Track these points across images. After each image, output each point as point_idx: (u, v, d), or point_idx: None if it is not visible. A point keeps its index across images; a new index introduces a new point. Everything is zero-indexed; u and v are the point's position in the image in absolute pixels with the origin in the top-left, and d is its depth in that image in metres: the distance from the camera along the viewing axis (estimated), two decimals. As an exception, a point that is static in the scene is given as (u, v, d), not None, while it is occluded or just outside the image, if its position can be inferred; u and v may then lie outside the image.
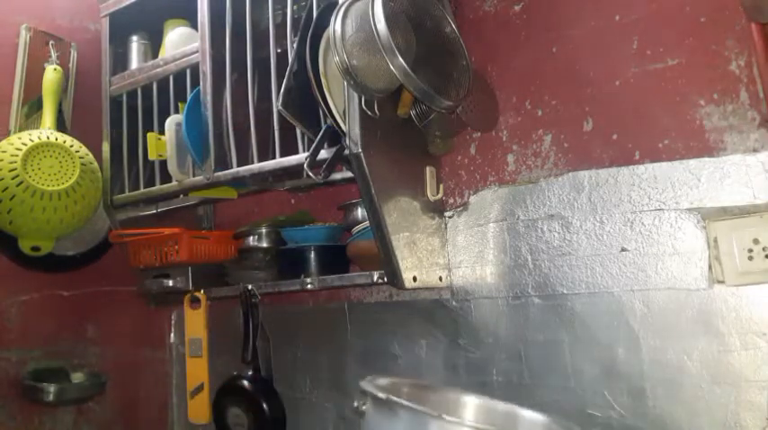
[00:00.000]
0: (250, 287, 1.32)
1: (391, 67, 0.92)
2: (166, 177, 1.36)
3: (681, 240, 1.01)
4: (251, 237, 1.39)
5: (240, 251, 1.42)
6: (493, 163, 1.22)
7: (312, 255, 1.28)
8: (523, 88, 1.20)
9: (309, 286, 1.25)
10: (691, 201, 1.01)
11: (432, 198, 1.20)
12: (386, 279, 1.12)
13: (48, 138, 1.33)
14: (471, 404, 0.88)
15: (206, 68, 1.28)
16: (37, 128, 1.38)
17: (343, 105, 1.05)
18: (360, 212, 1.27)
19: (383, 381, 0.79)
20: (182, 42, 1.37)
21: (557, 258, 1.12)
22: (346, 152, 1.04)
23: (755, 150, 0.97)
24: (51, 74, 1.42)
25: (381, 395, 0.68)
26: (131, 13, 1.46)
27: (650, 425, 1.00)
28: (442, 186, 1.23)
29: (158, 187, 1.38)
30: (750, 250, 0.95)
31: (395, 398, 0.67)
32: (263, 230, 1.38)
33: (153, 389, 1.62)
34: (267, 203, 1.54)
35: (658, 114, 1.06)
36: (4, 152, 1.28)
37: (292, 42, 1.14)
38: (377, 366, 1.31)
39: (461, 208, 1.24)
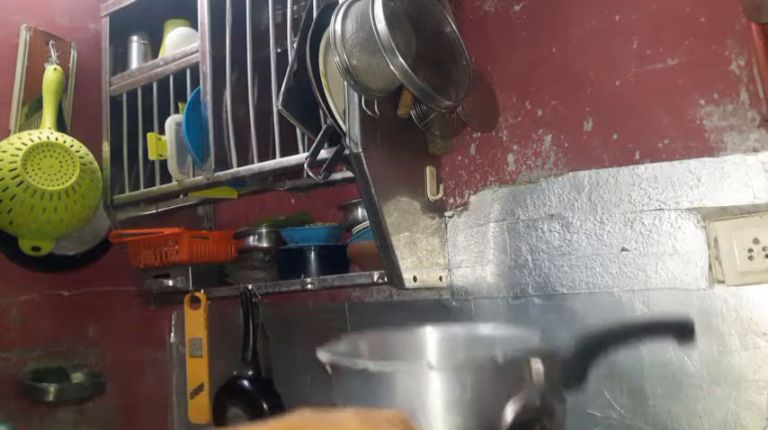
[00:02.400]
0: (250, 287, 1.32)
1: (391, 66, 0.92)
2: (166, 177, 1.36)
3: (681, 240, 1.01)
4: (251, 237, 1.39)
5: (240, 251, 1.42)
6: (493, 163, 1.22)
7: (312, 255, 1.28)
8: (523, 88, 1.20)
9: (309, 286, 1.25)
10: (691, 201, 1.01)
11: (432, 198, 1.20)
12: (386, 279, 1.12)
13: (48, 137, 1.33)
14: (432, 337, 0.85)
15: (206, 68, 1.28)
16: (37, 128, 1.38)
17: (343, 105, 1.05)
18: (360, 212, 1.27)
19: (342, 347, 0.79)
20: (182, 42, 1.38)
21: (557, 258, 1.12)
22: (346, 152, 1.04)
23: (755, 150, 0.97)
24: (51, 74, 1.42)
25: (325, 360, 0.69)
26: (131, 13, 1.46)
27: (650, 425, 1.00)
28: (442, 186, 1.23)
29: (158, 187, 1.38)
30: (750, 250, 0.95)
31: (335, 360, 0.68)
32: (263, 230, 1.38)
33: (153, 389, 1.62)
34: (267, 203, 1.54)
35: (658, 114, 1.06)
36: (5, 152, 1.28)
37: (292, 42, 1.15)
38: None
39: (461, 208, 1.24)
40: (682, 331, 0.75)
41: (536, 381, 0.60)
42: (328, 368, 0.70)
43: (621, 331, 0.71)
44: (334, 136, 1.08)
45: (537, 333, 0.71)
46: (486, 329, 0.85)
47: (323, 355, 0.70)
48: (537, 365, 0.61)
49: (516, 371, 0.60)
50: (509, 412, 0.57)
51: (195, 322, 1.40)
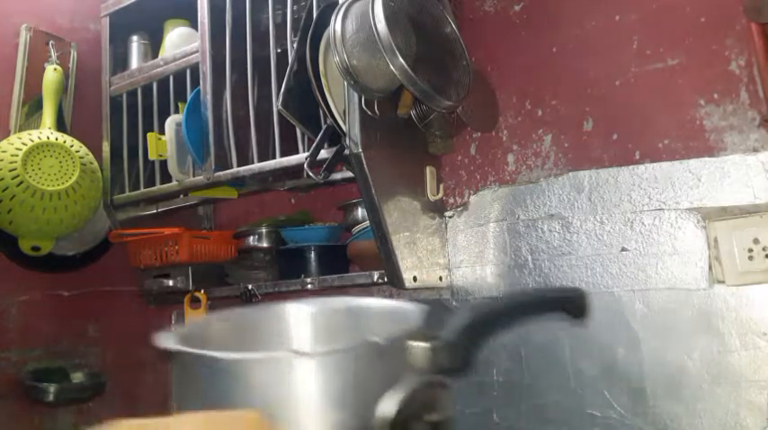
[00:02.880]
0: (250, 287, 1.32)
1: (391, 67, 0.92)
2: (166, 177, 1.36)
3: (681, 240, 1.01)
4: (251, 237, 1.39)
5: (240, 251, 1.42)
6: (493, 163, 1.22)
7: (312, 254, 1.29)
8: (523, 88, 1.20)
9: (309, 286, 1.25)
10: (691, 201, 1.01)
11: (432, 198, 1.20)
12: (386, 279, 1.12)
13: (48, 138, 1.33)
14: (301, 315, 0.69)
15: (206, 68, 1.28)
16: (37, 128, 1.38)
17: (343, 105, 1.05)
18: (360, 212, 1.27)
19: (189, 329, 0.66)
20: (182, 42, 1.38)
21: (557, 258, 1.12)
22: (346, 152, 1.04)
23: (755, 150, 0.97)
24: (51, 74, 1.42)
25: (164, 345, 0.56)
26: (131, 13, 1.46)
27: (650, 425, 1.00)
28: (442, 186, 1.23)
29: (158, 187, 1.38)
30: (750, 250, 0.95)
31: (178, 348, 0.55)
32: (263, 230, 1.38)
33: (153, 389, 1.62)
34: (267, 203, 1.54)
35: (658, 114, 1.06)
36: (5, 152, 1.28)
37: (292, 42, 1.15)
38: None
39: (461, 208, 1.24)
40: (574, 306, 0.68)
41: (419, 367, 0.52)
42: (167, 357, 0.57)
43: (509, 310, 0.62)
44: (335, 136, 1.07)
45: (420, 307, 0.62)
46: (363, 302, 0.74)
47: (161, 340, 0.56)
48: (421, 348, 0.52)
49: (399, 355, 0.51)
50: (389, 405, 0.48)
51: (195, 322, 1.40)
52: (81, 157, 1.36)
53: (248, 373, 0.50)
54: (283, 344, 0.69)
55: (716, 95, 1.01)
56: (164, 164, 1.35)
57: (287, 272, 1.32)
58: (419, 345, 0.52)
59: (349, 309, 0.72)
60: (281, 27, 1.22)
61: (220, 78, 1.27)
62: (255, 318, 0.70)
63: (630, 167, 1.07)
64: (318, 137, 1.07)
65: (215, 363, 0.51)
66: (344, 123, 1.05)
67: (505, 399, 1.14)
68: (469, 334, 0.55)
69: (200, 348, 0.56)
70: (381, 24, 0.91)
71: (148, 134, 1.35)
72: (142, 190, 1.42)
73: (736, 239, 0.96)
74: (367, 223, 1.18)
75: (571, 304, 0.68)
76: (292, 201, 1.51)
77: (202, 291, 1.39)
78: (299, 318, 0.70)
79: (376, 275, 1.14)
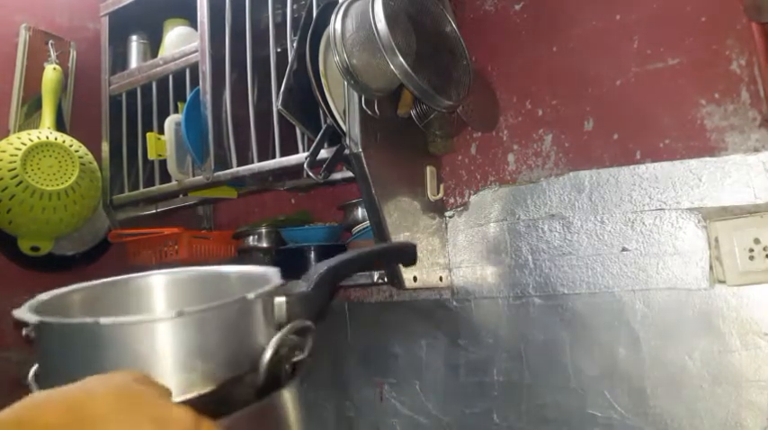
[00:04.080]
0: (250, 287, 1.32)
1: (391, 66, 0.92)
2: (166, 177, 1.36)
3: (682, 240, 1.01)
4: (251, 237, 1.39)
5: (240, 251, 1.41)
6: (493, 163, 1.22)
7: (312, 254, 1.28)
8: (523, 88, 1.20)
9: (309, 286, 1.24)
10: (692, 201, 1.01)
11: (432, 198, 1.19)
12: (386, 279, 1.12)
13: (47, 137, 1.33)
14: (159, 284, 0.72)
15: (205, 68, 1.28)
16: (36, 127, 1.38)
17: (343, 105, 1.05)
18: (360, 212, 1.27)
19: (46, 296, 0.67)
20: (181, 42, 1.37)
21: (557, 258, 1.12)
22: (346, 152, 1.04)
23: (756, 150, 0.97)
24: (51, 73, 1.42)
25: (30, 320, 0.58)
26: (131, 12, 1.46)
27: (651, 425, 1.00)
28: (442, 186, 1.23)
29: (158, 187, 1.38)
30: (751, 250, 0.94)
31: (47, 319, 0.58)
32: (263, 230, 1.38)
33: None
34: (267, 203, 1.54)
35: (659, 114, 1.06)
36: (4, 152, 1.28)
37: (292, 42, 1.14)
38: (377, 366, 1.30)
39: (462, 208, 1.24)
40: (406, 256, 0.92)
41: (278, 318, 0.60)
42: (30, 331, 0.59)
43: (352, 262, 0.73)
44: (334, 136, 1.07)
45: (274, 270, 0.68)
46: (221, 269, 0.75)
47: (23, 314, 0.59)
48: (281, 302, 0.62)
49: (262, 309, 0.58)
50: (269, 348, 0.54)
51: (195, 322, 1.39)
52: (80, 157, 1.36)
53: (119, 339, 0.50)
54: (143, 310, 0.71)
55: (717, 95, 1.01)
56: (163, 164, 1.35)
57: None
58: (280, 300, 0.62)
59: (207, 275, 0.75)
60: (280, 26, 1.22)
61: (220, 78, 1.27)
62: (118, 287, 0.73)
63: (631, 167, 1.07)
64: (318, 137, 1.07)
65: (89, 331, 0.52)
66: (344, 123, 1.05)
67: (505, 399, 1.14)
68: (320, 286, 0.67)
69: (75, 318, 0.60)
70: (381, 23, 0.91)
71: (148, 134, 1.35)
72: (141, 190, 1.42)
73: (736, 239, 0.96)
74: (367, 223, 1.17)
75: (404, 255, 0.93)
76: (292, 201, 1.51)
77: (202, 290, 1.39)
78: (158, 287, 0.73)
79: (376, 275, 1.14)
